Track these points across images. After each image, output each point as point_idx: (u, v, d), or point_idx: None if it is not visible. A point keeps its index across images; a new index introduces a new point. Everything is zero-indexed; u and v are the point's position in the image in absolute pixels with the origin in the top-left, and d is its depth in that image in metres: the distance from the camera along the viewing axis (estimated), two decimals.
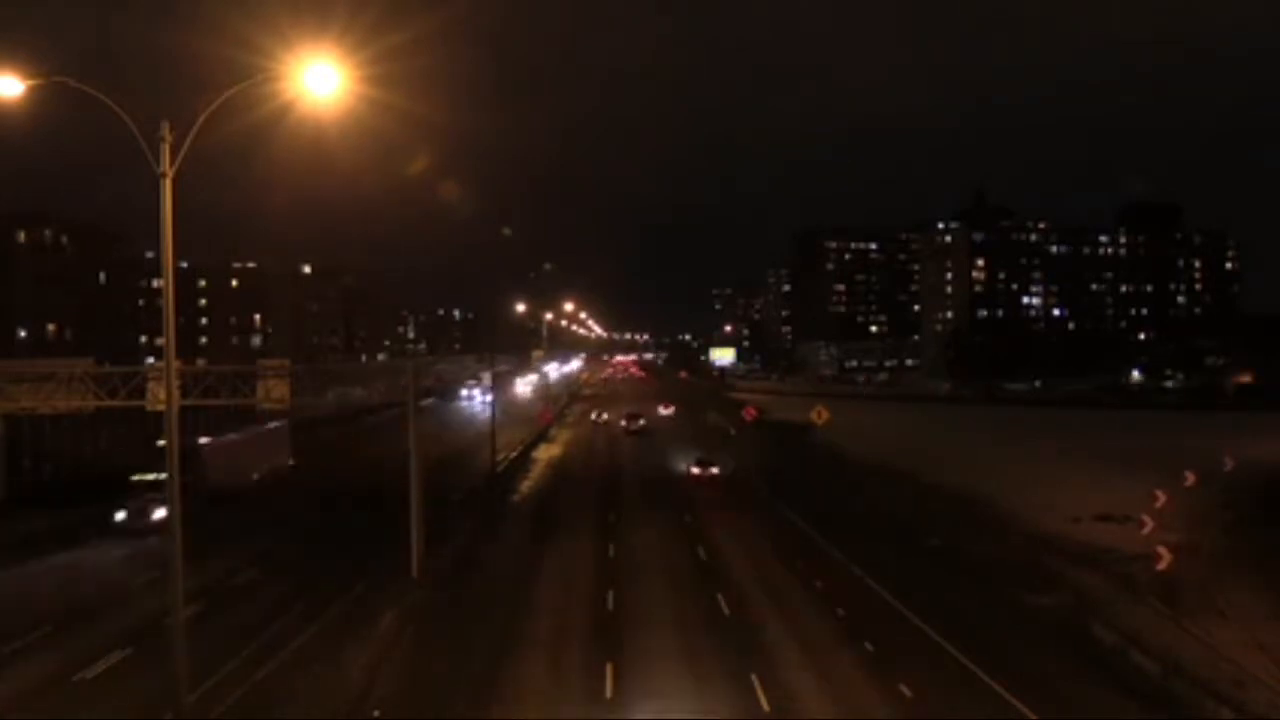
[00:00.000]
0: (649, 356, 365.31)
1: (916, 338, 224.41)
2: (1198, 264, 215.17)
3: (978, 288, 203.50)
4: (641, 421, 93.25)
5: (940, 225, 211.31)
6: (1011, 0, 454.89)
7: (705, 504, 53.87)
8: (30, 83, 17.33)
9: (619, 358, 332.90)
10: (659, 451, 79.55)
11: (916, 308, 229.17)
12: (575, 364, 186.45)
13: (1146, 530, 43.31)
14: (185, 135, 17.85)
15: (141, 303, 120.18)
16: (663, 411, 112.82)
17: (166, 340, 19.08)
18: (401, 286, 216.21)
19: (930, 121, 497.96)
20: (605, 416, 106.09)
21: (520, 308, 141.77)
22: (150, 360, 63.91)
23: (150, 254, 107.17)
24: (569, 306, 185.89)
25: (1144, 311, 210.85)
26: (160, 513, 43.40)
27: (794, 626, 30.48)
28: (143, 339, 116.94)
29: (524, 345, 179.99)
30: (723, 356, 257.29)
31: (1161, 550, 38.56)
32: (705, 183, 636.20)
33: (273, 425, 67.82)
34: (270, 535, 46.04)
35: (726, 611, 32.26)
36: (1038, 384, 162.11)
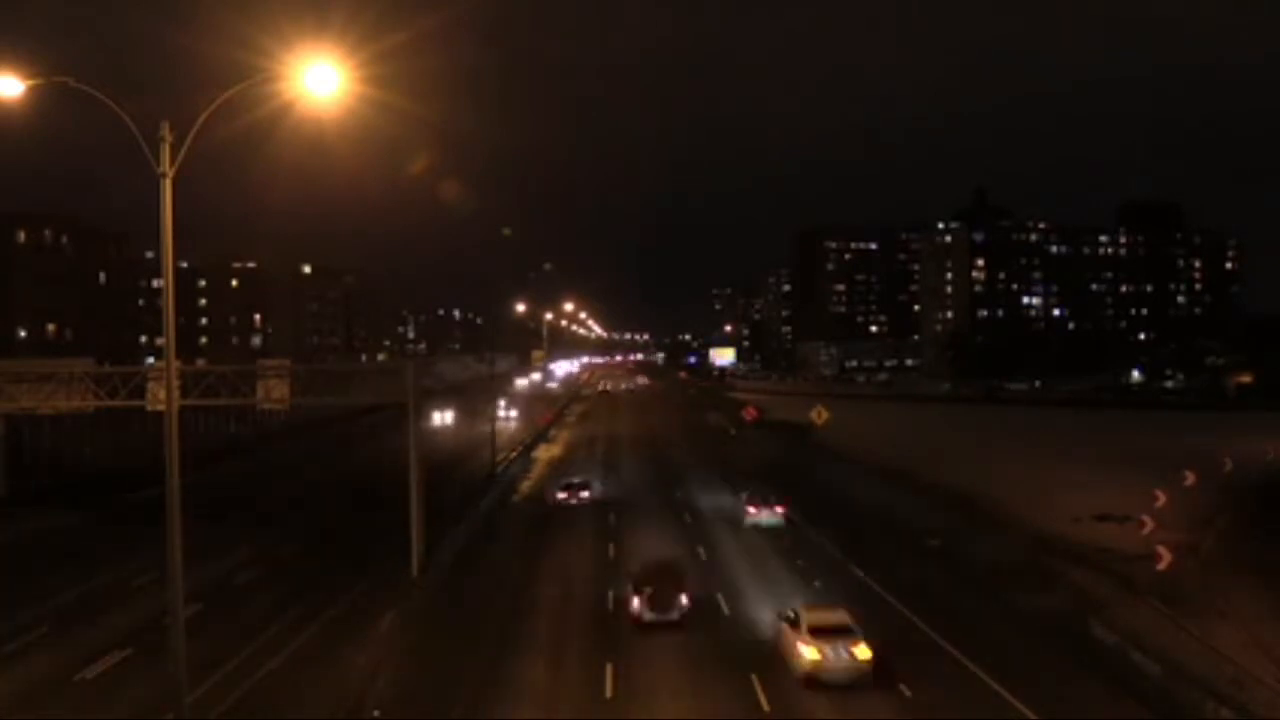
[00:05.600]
0: (645, 357, 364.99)
1: (916, 338, 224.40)
2: (1198, 264, 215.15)
3: (978, 288, 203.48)
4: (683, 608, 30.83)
5: (940, 225, 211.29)
6: (1012, 1, 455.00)
7: (706, 504, 53.81)
8: (30, 83, 17.31)
9: (604, 359, 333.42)
10: (659, 452, 79.60)
11: (916, 308, 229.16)
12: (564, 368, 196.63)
13: (1146, 530, 43.26)
14: (185, 135, 17.83)
15: (141, 303, 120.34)
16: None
17: (167, 340, 19.05)
18: (401, 286, 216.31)
19: (930, 121, 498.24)
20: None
21: (520, 308, 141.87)
22: (150, 360, 64.09)
23: (150, 254, 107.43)
24: (569, 306, 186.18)
25: (1144, 311, 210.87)
26: None
27: None
28: (143, 339, 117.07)
29: (524, 345, 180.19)
30: (723, 356, 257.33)
31: (1161, 550, 38.53)
32: (705, 182, 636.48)
33: None
34: (271, 535, 46.05)
35: (726, 611, 32.26)
36: (1038, 384, 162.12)
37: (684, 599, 30.79)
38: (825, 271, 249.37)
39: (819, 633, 25.20)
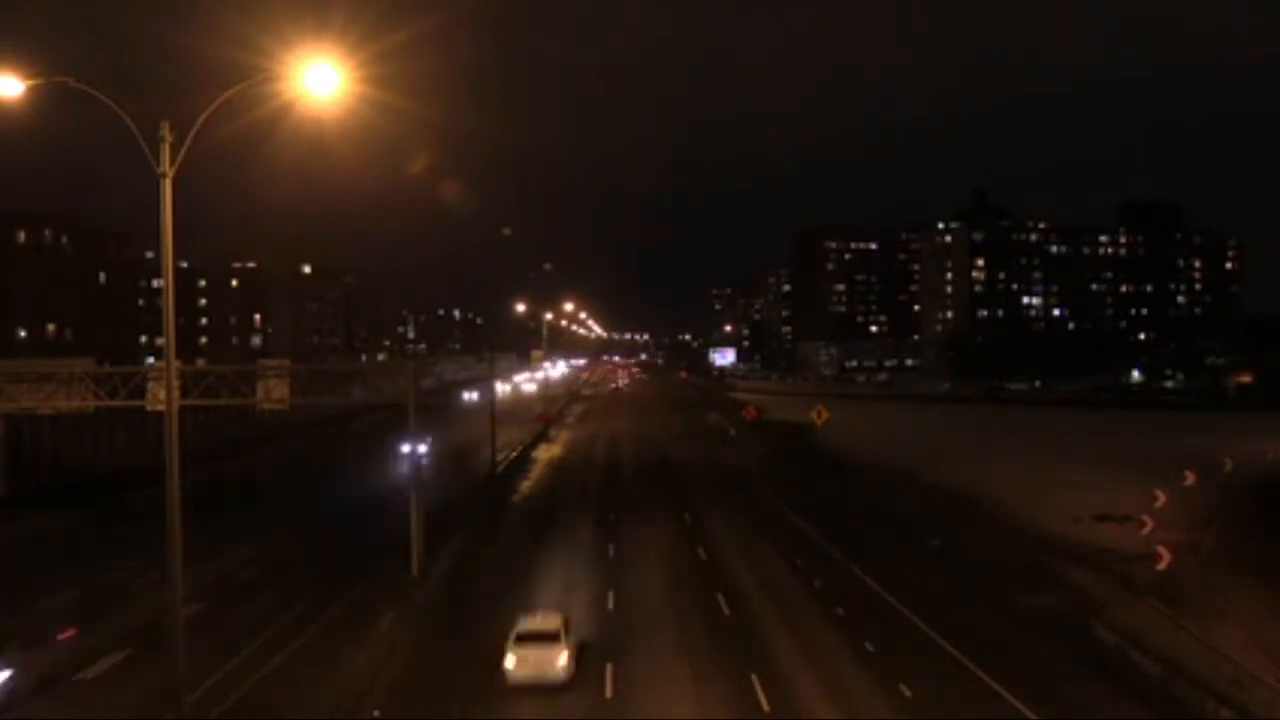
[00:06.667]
0: (646, 358, 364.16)
1: (916, 338, 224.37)
2: (1198, 264, 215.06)
3: (978, 288, 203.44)
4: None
5: (940, 225, 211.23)
6: (1012, 1, 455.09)
7: (705, 503, 53.88)
8: (30, 83, 17.32)
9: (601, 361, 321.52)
10: (659, 449, 79.66)
11: (916, 308, 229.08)
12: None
13: (1146, 530, 43.24)
14: (185, 135, 17.84)
15: (141, 303, 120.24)
16: None
17: (167, 340, 19.06)
18: (401, 286, 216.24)
19: (930, 121, 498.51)
20: None
21: (520, 308, 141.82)
22: (150, 360, 64.12)
23: (150, 254, 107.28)
24: (569, 306, 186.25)
25: (1144, 311, 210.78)
26: None
27: (794, 626, 30.47)
28: (143, 339, 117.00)
29: (524, 345, 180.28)
30: (722, 356, 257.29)
31: (1161, 550, 38.50)
32: (705, 182, 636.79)
33: None
34: (271, 534, 46.04)
35: (726, 611, 32.25)
36: (1037, 384, 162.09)
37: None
38: (825, 271, 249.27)
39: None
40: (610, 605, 33.02)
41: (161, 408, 31.82)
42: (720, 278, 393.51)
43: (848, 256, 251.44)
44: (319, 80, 17.64)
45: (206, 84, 18.26)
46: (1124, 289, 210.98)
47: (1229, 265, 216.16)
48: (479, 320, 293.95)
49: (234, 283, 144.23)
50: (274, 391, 40.06)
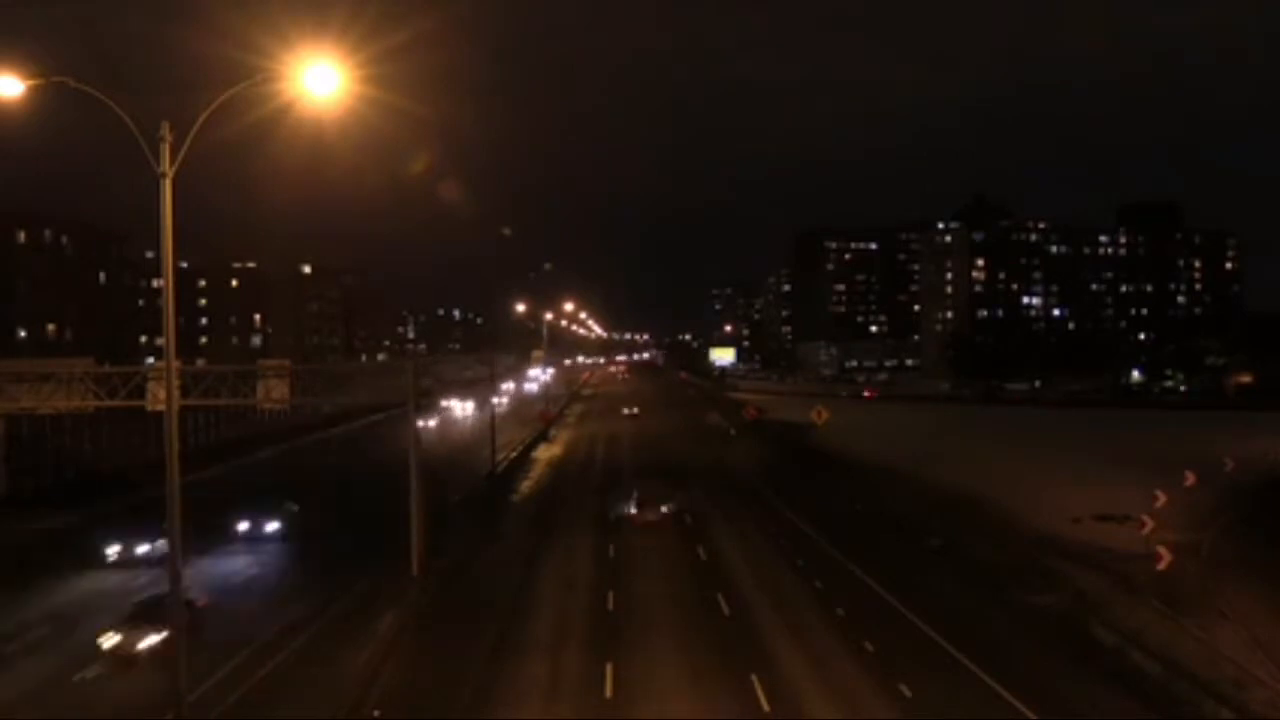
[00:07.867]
0: (646, 356, 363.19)
1: (916, 338, 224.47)
2: (1198, 264, 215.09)
3: (978, 288, 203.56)
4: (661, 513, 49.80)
5: (940, 225, 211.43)
6: (1012, 1, 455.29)
7: (706, 503, 53.85)
8: (30, 83, 17.33)
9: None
10: (659, 448, 79.64)
11: (916, 308, 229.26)
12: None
13: (1146, 530, 43.11)
14: (185, 135, 17.84)
15: (141, 303, 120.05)
16: None
17: (166, 340, 19.06)
18: (401, 286, 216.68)
19: (930, 121, 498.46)
20: None
21: (520, 308, 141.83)
22: (150, 360, 64.01)
23: (150, 254, 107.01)
24: (569, 306, 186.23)
25: (1144, 311, 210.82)
26: None
27: (794, 626, 30.47)
28: (143, 339, 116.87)
29: (524, 345, 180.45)
30: (723, 356, 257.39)
31: (1161, 550, 38.37)
32: (705, 182, 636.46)
33: None
34: (270, 534, 46.02)
35: (726, 611, 32.26)
36: (1037, 384, 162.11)
37: (665, 508, 48.80)
38: (825, 271, 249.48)
39: None
40: (610, 605, 33.04)
41: (161, 408, 31.81)
42: (720, 278, 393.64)
43: (848, 256, 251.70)
44: (319, 80, 17.65)
45: (206, 84, 18.24)
46: (1124, 289, 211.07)
47: (1229, 265, 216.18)
48: (479, 320, 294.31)
49: (234, 283, 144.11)
50: (274, 391, 40.05)
